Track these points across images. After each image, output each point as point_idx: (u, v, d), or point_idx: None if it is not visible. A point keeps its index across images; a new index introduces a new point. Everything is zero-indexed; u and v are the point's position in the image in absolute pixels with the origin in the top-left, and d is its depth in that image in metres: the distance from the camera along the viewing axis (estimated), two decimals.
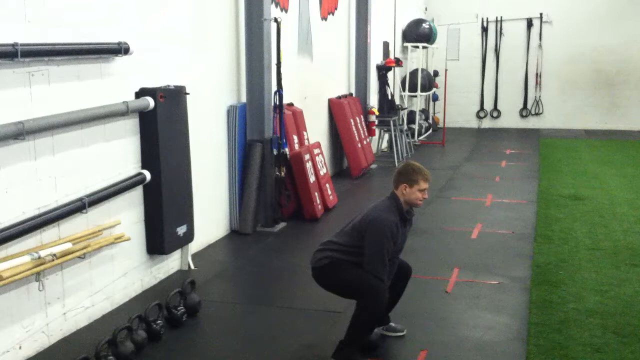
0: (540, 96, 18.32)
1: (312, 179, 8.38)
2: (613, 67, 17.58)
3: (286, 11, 8.91)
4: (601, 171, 11.42)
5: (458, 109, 18.06)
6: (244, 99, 7.68)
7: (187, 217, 6.15)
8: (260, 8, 7.46)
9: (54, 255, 4.43)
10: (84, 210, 4.79)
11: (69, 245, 4.59)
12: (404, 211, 4.43)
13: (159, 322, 4.79)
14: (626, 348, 4.59)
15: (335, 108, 11.10)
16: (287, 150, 8.03)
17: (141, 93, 5.54)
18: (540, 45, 18.09)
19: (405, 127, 14.13)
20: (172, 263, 6.24)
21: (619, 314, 5.19)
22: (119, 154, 5.36)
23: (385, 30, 14.51)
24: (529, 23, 18.10)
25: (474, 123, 18.85)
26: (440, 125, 16.42)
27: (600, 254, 6.74)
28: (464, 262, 6.48)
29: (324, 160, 9.28)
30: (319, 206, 8.41)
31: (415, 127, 15.21)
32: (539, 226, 7.81)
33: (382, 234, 4.28)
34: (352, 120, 11.24)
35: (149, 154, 5.64)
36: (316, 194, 8.39)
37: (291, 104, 8.95)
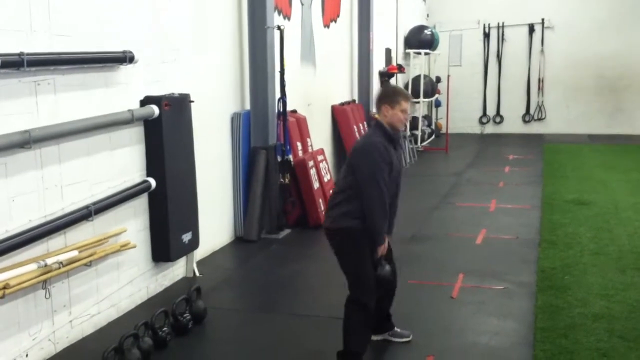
0: (542, 101, 18.32)
1: (316, 185, 8.39)
2: (616, 72, 17.57)
3: (289, 19, 8.95)
4: (605, 176, 11.40)
5: (461, 115, 18.07)
6: (248, 107, 7.71)
7: (192, 224, 6.17)
8: (263, 16, 7.50)
9: (61, 263, 4.45)
10: (90, 218, 4.81)
11: (75, 253, 4.61)
12: (389, 132, 4.34)
13: (165, 329, 4.80)
14: (632, 352, 4.58)
15: (338, 114, 11.12)
16: (291, 157, 8.05)
17: (146, 101, 5.56)
18: (542, 51, 18.10)
19: (408, 133, 14.14)
20: (177, 270, 6.25)
21: (624, 318, 5.18)
22: (124, 162, 5.38)
23: (387, 37, 14.55)
24: (531, 29, 18.12)
25: (476, 129, 18.85)
26: (443, 131, 16.42)
27: (605, 258, 6.73)
28: (469, 268, 6.48)
29: (328, 166, 9.30)
30: (323, 212, 8.40)
31: (418, 133, 15.22)
32: (544, 231, 7.81)
33: (368, 155, 4.21)
34: (355, 127, 11.26)
35: (154, 162, 5.66)
36: (320, 200, 8.40)
37: (295, 111, 8.97)
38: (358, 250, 4.30)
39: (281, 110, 7.86)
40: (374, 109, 12.71)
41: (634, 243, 7.26)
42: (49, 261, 4.35)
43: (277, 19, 8.21)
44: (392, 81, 14.36)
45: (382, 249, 4.34)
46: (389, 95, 4.41)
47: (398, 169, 4.39)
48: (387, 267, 4.41)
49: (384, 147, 4.24)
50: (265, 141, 7.62)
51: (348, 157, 4.40)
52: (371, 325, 4.48)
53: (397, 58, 15.40)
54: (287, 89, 7.88)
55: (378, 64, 13.63)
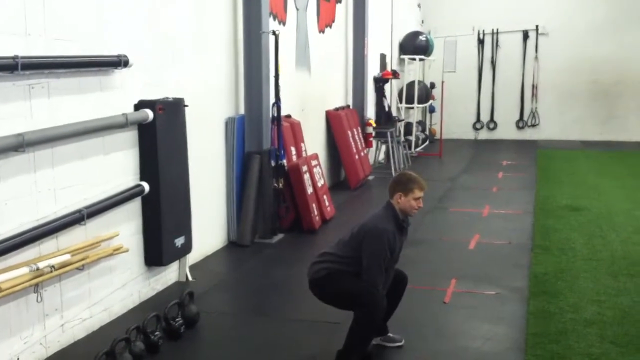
0: (536, 107, 18.40)
1: (309, 190, 8.40)
2: (610, 78, 17.66)
3: (284, 24, 8.97)
4: (599, 182, 11.45)
5: (455, 121, 18.11)
6: (242, 111, 7.72)
7: (185, 228, 6.17)
8: (258, 21, 7.51)
9: (53, 266, 4.44)
10: (83, 222, 4.80)
11: (67, 257, 4.60)
12: (400, 220, 4.45)
13: (157, 333, 4.78)
14: (624, 358, 4.60)
15: (332, 120, 11.13)
16: (285, 161, 8.06)
17: (140, 105, 5.56)
18: (536, 57, 18.19)
19: (402, 138, 14.17)
20: (170, 274, 6.24)
21: (616, 323, 5.20)
22: (117, 166, 5.37)
23: (382, 42, 14.59)
24: (525, 35, 18.21)
25: (470, 134, 18.91)
26: (437, 136, 16.46)
27: (598, 264, 6.76)
28: (462, 273, 6.50)
29: (322, 171, 9.31)
30: (317, 217, 8.42)
31: (412, 138, 15.26)
32: (537, 237, 7.83)
33: (379, 243, 4.30)
34: (349, 132, 11.28)
35: (148, 166, 5.66)
36: (314, 205, 8.40)
37: (289, 116, 8.99)
38: (346, 281, 4.39)
39: (275, 115, 7.87)
40: (368, 115, 12.76)
41: (626, 249, 7.29)
42: (41, 265, 4.34)
43: (272, 24, 8.23)
44: (387, 87, 14.39)
45: None
46: (404, 183, 4.48)
47: (397, 254, 4.53)
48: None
49: (393, 235, 4.36)
50: (260, 146, 7.63)
51: (356, 230, 4.46)
52: (375, 332, 4.57)
53: (392, 64, 15.45)
54: (281, 93, 7.89)
55: (373, 69, 13.66)
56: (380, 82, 13.98)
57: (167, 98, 5.82)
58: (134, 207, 5.65)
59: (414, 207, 4.45)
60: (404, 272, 4.81)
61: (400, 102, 15.62)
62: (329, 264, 4.45)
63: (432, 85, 16.75)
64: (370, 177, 12.08)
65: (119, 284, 5.45)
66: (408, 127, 15.43)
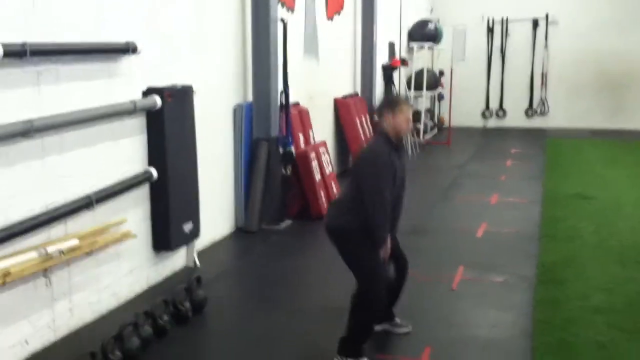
0: (545, 96, 18.28)
1: (317, 177, 8.40)
2: (619, 68, 17.52)
3: (292, 11, 8.94)
4: (607, 171, 11.39)
5: (463, 109, 17.99)
6: (250, 98, 7.72)
7: (193, 214, 6.19)
8: (266, 8, 7.49)
9: (61, 251, 4.47)
10: (91, 208, 4.83)
11: (76, 242, 4.63)
12: (393, 140, 4.37)
13: (164, 318, 4.82)
14: (631, 345, 4.60)
15: (341, 107, 11.11)
16: (293, 148, 8.06)
17: (148, 92, 5.57)
18: (546, 46, 18.05)
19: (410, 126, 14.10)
20: (177, 260, 6.27)
21: (624, 311, 5.20)
22: (126, 152, 5.39)
23: (391, 30, 14.51)
24: (535, 23, 18.06)
25: (479, 123, 18.81)
26: (446, 124, 16.40)
27: (605, 252, 6.74)
28: (470, 261, 6.49)
29: (330, 159, 9.30)
30: (325, 204, 8.42)
31: (421, 126, 15.21)
32: (545, 225, 7.81)
33: (374, 165, 4.24)
34: (357, 120, 11.26)
35: (156, 153, 5.67)
36: (322, 192, 8.41)
37: (297, 103, 8.98)
38: (359, 248, 4.32)
39: (284, 102, 7.86)
40: (376, 103, 12.73)
41: (634, 237, 7.27)
42: (50, 249, 4.38)
43: (281, 12, 8.20)
44: (395, 75, 14.35)
45: (384, 252, 4.36)
46: (390, 103, 4.47)
47: (402, 177, 4.43)
48: (391, 271, 4.47)
49: (388, 155, 4.28)
50: (268, 133, 7.63)
51: (352, 164, 4.42)
52: (378, 316, 4.52)
53: (401, 52, 15.38)
54: (289, 81, 7.88)
55: (381, 57, 13.61)
56: (388, 70, 13.91)
57: (175, 85, 5.83)
58: (142, 194, 5.67)
59: (404, 126, 4.39)
60: (405, 257, 4.76)
61: (409, 90, 15.56)
62: (343, 210, 4.35)
63: (441, 73, 16.66)
64: None
65: (127, 269, 5.48)
66: (416, 115, 15.36)
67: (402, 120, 4.37)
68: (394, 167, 4.29)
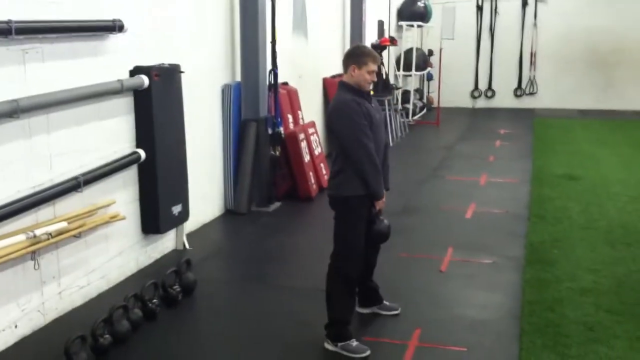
0: (534, 76, 18.27)
1: (306, 158, 8.37)
2: (608, 46, 17.52)
3: None
4: (595, 151, 11.44)
5: (452, 89, 17.98)
6: (238, 78, 7.65)
7: (182, 196, 6.15)
8: None
9: (50, 234, 4.43)
10: (79, 189, 4.78)
11: (64, 224, 4.59)
12: (357, 89, 4.30)
13: (154, 301, 4.80)
14: (619, 326, 4.64)
15: (330, 87, 11.05)
16: (282, 129, 8.01)
17: (135, 71, 5.50)
18: (535, 25, 18.01)
19: (399, 106, 14.10)
20: (167, 242, 6.24)
21: (612, 292, 5.24)
22: (113, 132, 5.34)
23: (380, 9, 14.42)
24: (524, 2, 17.99)
25: (468, 103, 18.80)
26: (435, 104, 16.38)
27: (594, 233, 6.78)
28: (458, 241, 6.51)
29: (319, 139, 9.27)
30: (314, 186, 8.41)
31: (410, 106, 15.18)
32: (533, 205, 7.84)
33: (344, 114, 4.19)
34: None
35: (144, 133, 5.62)
36: (311, 173, 8.38)
37: (286, 83, 8.92)
38: (354, 221, 4.31)
39: (272, 82, 7.80)
40: None
41: (622, 218, 7.31)
42: (38, 232, 4.34)
43: None
44: (384, 54, 14.28)
45: (380, 204, 4.36)
46: (357, 55, 4.35)
47: (378, 120, 4.36)
48: (385, 222, 4.46)
49: (356, 103, 4.21)
50: (256, 113, 7.58)
51: (326, 122, 4.36)
52: (354, 293, 4.51)
53: (390, 30, 15.29)
54: (278, 60, 7.81)
55: (370, 36, 13.53)
56: (377, 49, 13.81)
57: (162, 64, 5.76)
58: (131, 175, 5.62)
59: (367, 80, 4.31)
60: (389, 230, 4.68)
61: (398, 70, 15.51)
62: (340, 177, 4.30)
63: (430, 53, 16.60)
64: None
65: (116, 251, 5.45)
66: (405, 95, 15.34)
67: (366, 74, 4.29)
68: (368, 112, 4.23)
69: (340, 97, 4.28)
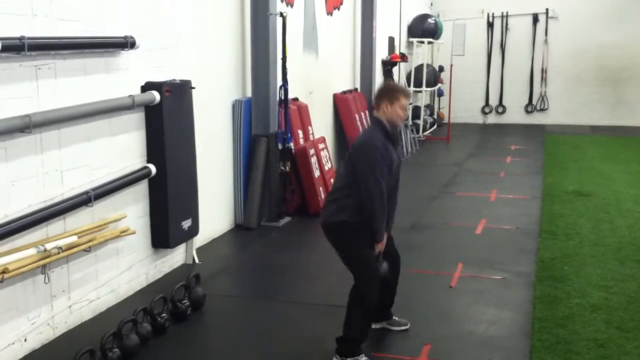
0: (545, 92, 18.28)
1: (317, 173, 8.39)
2: (619, 63, 17.52)
3: (292, 6, 8.91)
4: (606, 167, 11.39)
5: (463, 105, 18.02)
6: (249, 94, 7.69)
7: (192, 211, 6.17)
8: (265, 2, 7.47)
9: (60, 248, 4.46)
10: (90, 204, 4.81)
11: (74, 239, 4.62)
12: (389, 130, 4.35)
13: (163, 315, 4.81)
14: (630, 343, 4.60)
15: (340, 103, 11.10)
16: (292, 144, 8.04)
17: (147, 87, 5.55)
18: (546, 41, 18.03)
19: (410, 122, 14.12)
20: (177, 257, 6.26)
21: (623, 309, 5.20)
22: (124, 147, 5.37)
23: (390, 25, 14.49)
24: (535, 18, 18.05)
25: (479, 118, 18.82)
26: (445, 120, 16.39)
27: (604, 249, 6.74)
28: (469, 257, 6.49)
29: (329, 155, 9.29)
30: (324, 201, 8.40)
31: (420, 122, 15.20)
32: (544, 222, 7.81)
33: (369, 153, 4.20)
34: (357, 115, 11.24)
35: (155, 148, 5.65)
36: (321, 188, 8.40)
37: (296, 99, 8.96)
38: (356, 244, 4.31)
39: (283, 97, 7.84)
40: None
41: (634, 235, 7.26)
42: (48, 246, 4.36)
43: (280, 6, 8.18)
44: (395, 70, 14.33)
45: (380, 246, 4.35)
46: (388, 92, 4.42)
47: (397, 166, 4.41)
48: (384, 265, 4.43)
49: (384, 145, 4.25)
50: (266, 129, 7.61)
51: (348, 153, 4.39)
52: (372, 315, 4.50)
53: (400, 47, 15.35)
54: (288, 76, 7.86)
55: (381, 52, 13.59)
56: (388, 65, 13.90)
57: (174, 80, 5.81)
58: (141, 190, 5.65)
59: (401, 116, 4.37)
60: (397, 252, 4.74)
61: (409, 86, 15.54)
62: (335, 205, 4.31)
63: (441, 69, 16.65)
64: None
65: (125, 266, 5.47)
66: (416, 110, 15.37)
67: (399, 110, 4.34)
68: (390, 157, 4.27)
69: (372, 135, 4.32)
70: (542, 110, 18.37)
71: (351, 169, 4.29)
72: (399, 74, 15.07)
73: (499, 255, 6.59)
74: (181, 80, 5.90)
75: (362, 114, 11.61)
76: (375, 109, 4.47)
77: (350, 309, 4.34)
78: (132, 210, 5.51)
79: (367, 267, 4.30)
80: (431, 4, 18.63)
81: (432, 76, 15.83)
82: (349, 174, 4.30)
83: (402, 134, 4.32)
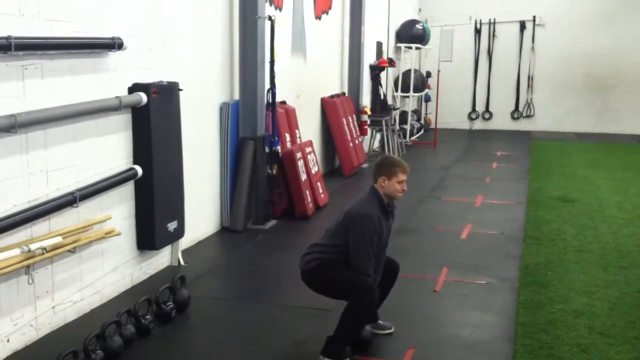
0: (532, 98, 18.41)
1: (303, 177, 8.40)
2: (605, 70, 17.69)
3: (280, 10, 8.93)
4: (591, 174, 11.49)
5: (450, 110, 18.12)
6: (237, 96, 7.70)
7: (178, 213, 6.16)
8: (254, 6, 7.47)
9: (44, 249, 4.44)
10: (75, 205, 4.79)
11: (59, 239, 4.60)
12: (385, 204, 4.44)
13: (148, 317, 4.80)
14: (612, 349, 4.64)
15: (327, 107, 11.12)
16: (279, 148, 8.05)
17: (134, 88, 5.54)
18: (532, 48, 18.18)
19: (397, 127, 14.17)
20: (162, 259, 6.24)
21: (605, 315, 5.24)
22: (111, 148, 5.36)
23: (379, 30, 14.54)
24: (522, 26, 18.18)
25: (465, 124, 18.92)
26: (432, 126, 16.46)
27: (588, 255, 6.79)
28: (453, 262, 6.52)
29: (316, 158, 9.31)
30: (310, 204, 8.43)
31: (407, 127, 15.26)
32: (529, 227, 7.86)
33: (365, 228, 4.28)
34: (344, 120, 11.26)
35: (141, 150, 5.64)
36: (307, 192, 8.41)
37: (284, 102, 8.97)
38: (337, 272, 4.38)
39: (270, 101, 7.85)
40: (363, 103, 12.74)
41: (617, 241, 7.33)
42: (33, 247, 4.34)
43: (269, 9, 8.19)
44: (383, 75, 14.38)
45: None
46: (387, 167, 4.47)
47: (386, 238, 4.51)
48: (367, 327, 4.63)
49: (379, 219, 4.34)
50: (254, 132, 7.62)
51: (341, 217, 4.45)
52: (369, 318, 4.57)
53: (388, 52, 15.41)
54: (276, 80, 7.86)
55: (369, 57, 13.63)
56: (376, 70, 13.95)
57: (161, 82, 5.80)
58: (127, 191, 5.64)
59: (398, 191, 4.45)
60: (396, 261, 4.82)
61: (396, 91, 15.61)
62: (319, 254, 4.45)
63: (428, 74, 16.73)
64: (365, 165, 12.07)
65: (110, 267, 5.45)
66: (403, 115, 15.43)
67: (397, 185, 4.42)
68: (381, 230, 4.38)
69: (369, 208, 4.38)
70: (528, 116, 18.50)
71: (342, 234, 4.37)
72: (387, 79, 15.12)
73: (483, 260, 6.63)
74: (169, 82, 5.90)
75: (350, 118, 11.64)
76: (373, 181, 4.52)
77: (346, 317, 4.33)
78: (118, 211, 5.50)
79: (355, 284, 4.29)
80: (419, 10, 18.72)
81: (420, 82, 15.90)
82: (340, 237, 4.38)
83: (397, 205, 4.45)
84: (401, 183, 4.44)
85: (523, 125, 18.48)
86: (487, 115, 18.82)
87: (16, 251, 4.23)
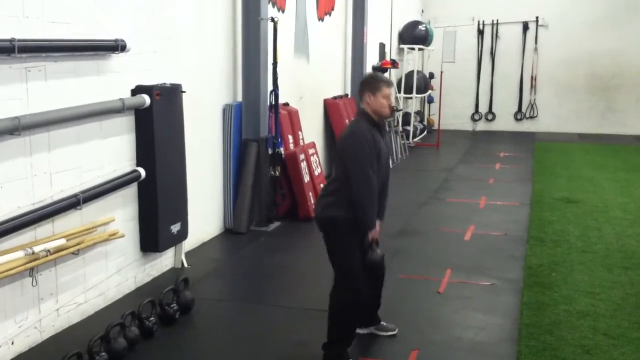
0: (535, 99, 18.38)
1: (306, 178, 8.40)
2: (608, 71, 17.65)
3: (283, 11, 8.93)
4: (595, 175, 11.46)
5: (453, 112, 18.10)
6: (239, 98, 7.70)
7: (181, 215, 6.16)
8: (257, 7, 7.48)
9: (48, 251, 4.44)
10: (79, 207, 4.80)
11: (63, 241, 4.60)
12: (374, 119, 4.36)
13: (152, 319, 4.80)
14: (616, 350, 4.63)
15: (330, 108, 11.11)
16: (282, 149, 8.05)
17: (137, 90, 5.54)
18: (535, 49, 18.14)
19: (400, 128, 14.16)
20: (165, 261, 6.25)
21: (609, 316, 5.23)
22: (114, 150, 5.36)
23: (381, 31, 14.54)
24: (525, 26, 18.16)
25: (468, 125, 18.90)
26: (435, 127, 16.45)
27: (592, 256, 6.78)
28: (457, 263, 6.51)
29: (319, 160, 9.30)
30: (313, 206, 8.41)
31: (410, 128, 15.24)
32: (532, 228, 7.85)
33: (356, 142, 4.21)
34: (347, 121, 11.24)
35: (144, 152, 5.64)
36: (310, 193, 8.41)
37: (287, 104, 8.97)
38: (347, 240, 4.31)
39: (273, 102, 7.85)
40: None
41: (621, 242, 7.31)
42: (37, 249, 4.35)
43: (271, 11, 8.20)
44: (386, 75, 14.35)
45: (373, 234, 4.34)
46: (370, 83, 4.41)
47: (386, 153, 4.41)
48: (378, 252, 4.45)
49: (370, 133, 4.25)
50: (257, 133, 7.62)
51: (336, 147, 4.41)
52: (360, 314, 4.51)
53: (391, 53, 15.40)
54: (279, 81, 7.87)
55: (372, 58, 13.62)
56: (378, 71, 13.94)
57: (164, 84, 5.81)
58: (130, 193, 5.64)
59: (385, 105, 4.34)
60: (383, 266, 4.71)
61: (399, 92, 15.59)
62: (331, 198, 4.33)
63: (431, 76, 16.72)
64: None
65: (114, 269, 5.45)
66: (406, 117, 15.42)
67: (382, 99, 4.33)
68: (378, 146, 4.27)
69: (357, 125, 4.34)
70: (531, 117, 18.47)
71: (340, 162, 4.31)
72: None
73: (487, 262, 6.62)
74: (172, 84, 5.90)
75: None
76: (359, 101, 4.47)
77: (332, 313, 4.34)
78: (121, 213, 5.50)
79: (352, 264, 4.28)
80: (422, 11, 18.71)
81: (423, 83, 15.88)
82: (339, 167, 4.33)
83: (387, 128, 4.31)
84: (386, 97, 4.34)
85: (526, 126, 18.45)
86: (490, 117, 18.79)
87: (20, 253, 4.23)
